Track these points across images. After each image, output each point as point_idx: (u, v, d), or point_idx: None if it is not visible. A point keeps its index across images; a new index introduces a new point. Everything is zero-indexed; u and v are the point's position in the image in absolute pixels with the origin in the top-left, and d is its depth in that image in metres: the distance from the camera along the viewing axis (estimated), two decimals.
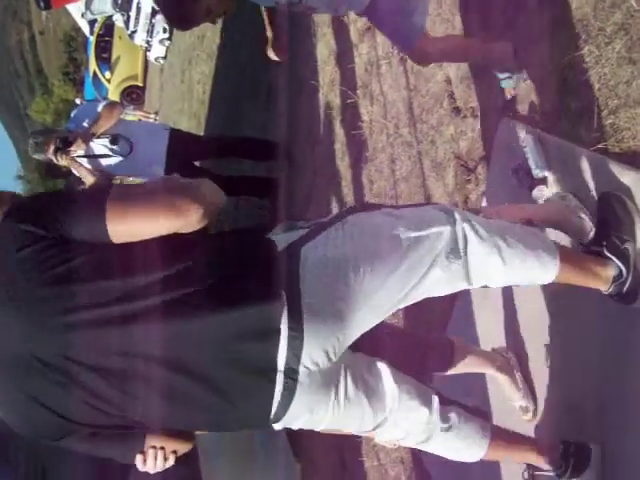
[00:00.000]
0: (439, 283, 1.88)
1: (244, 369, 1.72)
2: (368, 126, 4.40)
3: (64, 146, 4.98)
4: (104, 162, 5.22)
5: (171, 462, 1.89)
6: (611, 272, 2.08)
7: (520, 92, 2.90)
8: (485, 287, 1.99)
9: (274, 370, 1.72)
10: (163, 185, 1.86)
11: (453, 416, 2.07)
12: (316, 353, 1.75)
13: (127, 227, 1.70)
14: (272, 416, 1.78)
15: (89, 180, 5.17)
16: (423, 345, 2.50)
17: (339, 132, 4.95)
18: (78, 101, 7.93)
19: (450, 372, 2.52)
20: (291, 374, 1.74)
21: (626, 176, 2.19)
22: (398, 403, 1.97)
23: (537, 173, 2.51)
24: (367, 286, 1.78)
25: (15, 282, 1.68)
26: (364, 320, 1.82)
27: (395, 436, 2.06)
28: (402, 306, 1.91)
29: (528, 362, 2.61)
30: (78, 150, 5.03)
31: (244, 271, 1.77)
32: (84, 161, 5.16)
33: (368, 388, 1.94)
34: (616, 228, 2.13)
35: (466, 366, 2.55)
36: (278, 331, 1.70)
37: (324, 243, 1.80)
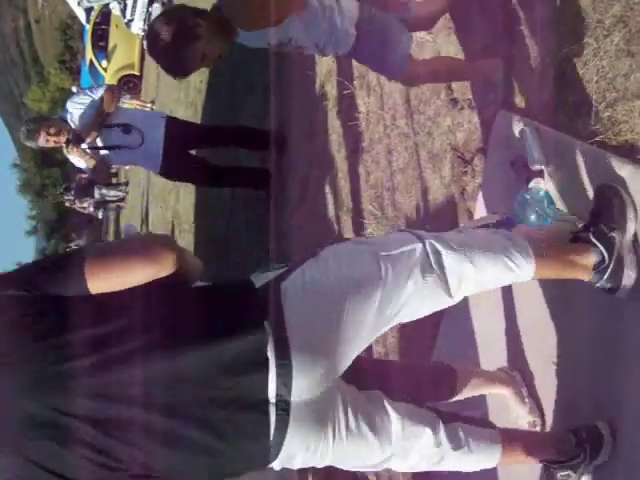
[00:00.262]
0: (420, 299, 1.91)
1: (237, 405, 1.73)
2: (365, 117, 4.39)
3: (76, 141, 5.04)
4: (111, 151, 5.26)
5: None
6: (592, 259, 2.08)
7: (517, 84, 2.89)
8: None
9: (266, 402, 1.73)
10: (136, 237, 1.92)
11: (460, 433, 2.08)
12: (307, 382, 1.76)
13: (106, 282, 1.74)
14: (271, 451, 1.78)
15: (90, 164, 5.24)
16: (424, 378, 2.45)
17: (336, 123, 4.94)
18: (74, 89, 7.88)
19: (456, 398, 2.49)
20: (283, 405, 1.74)
21: (623, 169, 2.18)
22: (402, 431, 1.97)
23: (534, 165, 2.51)
24: (351, 317, 1.81)
25: (6, 344, 1.70)
26: (352, 346, 1.85)
27: (409, 465, 2.06)
28: (388, 327, 1.94)
29: (529, 368, 2.60)
30: (90, 141, 5.10)
31: (226, 308, 1.80)
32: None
33: (370, 418, 1.94)
34: (607, 217, 2.12)
35: (472, 389, 2.53)
36: (266, 360, 1.72)
37: (301, 275, 1.84)
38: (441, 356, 3.00)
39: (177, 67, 2.85)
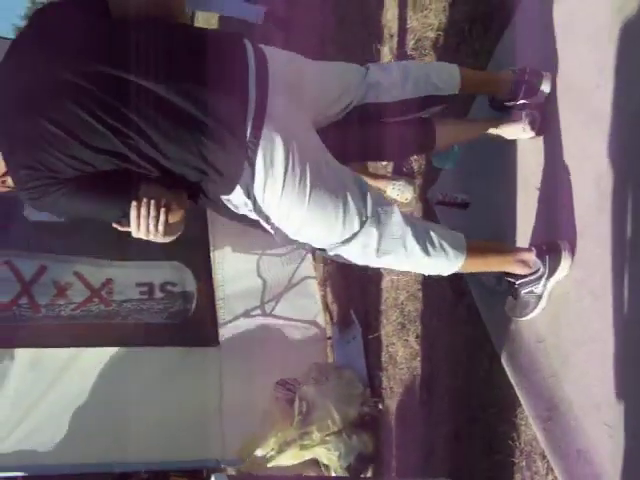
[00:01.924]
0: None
1: (218, 84, 1.96)
2: None
3: None
4: None
5: (162, 219, 1.93)
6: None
7: None
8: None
9: (246, 73, 2.00)
10: None
11: (431, 232, 2.19)
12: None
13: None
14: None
15: None
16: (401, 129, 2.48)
17: None
18: None
19: (443, 144, 2.60)
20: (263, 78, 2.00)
21: None
22: (374, 204, 2.13)
23: None
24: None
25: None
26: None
27: (373, 248, 2.16)
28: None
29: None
30: None
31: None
32: None
33: (344, 180, 2.12)
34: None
35: (461, 132, 2.63)
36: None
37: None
38: None
39: None
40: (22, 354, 3.74)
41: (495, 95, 2.54)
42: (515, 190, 2.62)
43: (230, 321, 4.19)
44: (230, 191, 2.01)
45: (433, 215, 3.20)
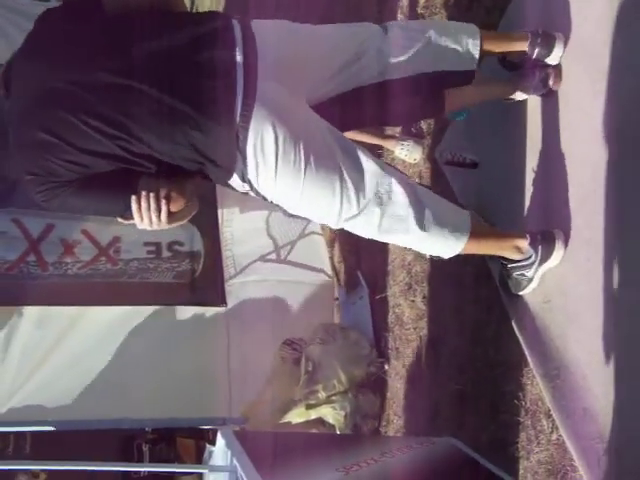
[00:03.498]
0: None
1: (206, 74, 1.97)
2: None
3: None
4: None
5: (164, 210, 1.98)
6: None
7: None
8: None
9: (233, 64, 1.98)
10: None
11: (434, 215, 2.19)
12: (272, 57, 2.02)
13: None
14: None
15: None
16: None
17: None
18: None
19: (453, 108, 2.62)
20: (249, 69, 1.98)
21: None
22: (377, 184, 2.12)
23: None
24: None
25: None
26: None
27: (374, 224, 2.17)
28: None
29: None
30: None
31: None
32: None
33: (349, 152, 2.11)
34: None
35: (472, 95, 2.58)
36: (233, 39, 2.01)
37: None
38: None
39: None
40: (30, 311, 3.75)
41: (507, 55, 2.51)
42: (524, 155, 2.61)
43: (238, 280, 4.20)
44: (228, 178, 2.06)
45: (441, 175, 3.18)
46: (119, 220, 2.11)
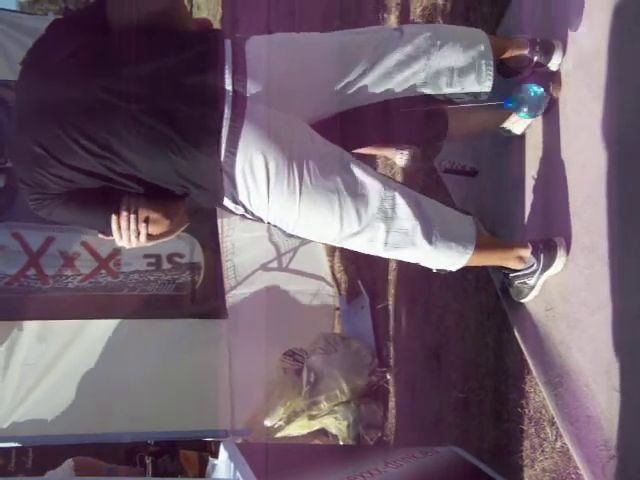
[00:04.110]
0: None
1: (195, 99, 1.94)
2: None
3: None
4: None
5: (143, 233, 1.99)
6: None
7: None
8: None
9: (222, 90, 1.95)
10: None
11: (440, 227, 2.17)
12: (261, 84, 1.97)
13: None
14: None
15: None
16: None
17: None
18: None
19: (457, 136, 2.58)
20: (239, 96, 1.95)
21: None
22: (382, 200, 2.08)
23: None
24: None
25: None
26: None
27: (380, 240, 2.13)
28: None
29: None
30: None
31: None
32: None
33: (347, 176, 2.05)
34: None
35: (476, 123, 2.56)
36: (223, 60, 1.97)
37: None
38: None
39: None
40: (31, 326, 3.74)
41: (504, 61, 2.50)
42: (524, 162, 2.60)
43: (239, 292, 4.19)
44: (217, 202, 2.04)
45: (441, 185, 3.18)
46: (99, 236, 2.13)
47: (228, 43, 2.03)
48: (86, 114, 1.95)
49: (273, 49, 2.08)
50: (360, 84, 2.12)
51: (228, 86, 1.95)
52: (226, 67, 1.97)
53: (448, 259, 2.22)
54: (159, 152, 1.94)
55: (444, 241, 2.16)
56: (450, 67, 2.18)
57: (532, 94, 2.42)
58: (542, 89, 2.41)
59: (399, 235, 2.11)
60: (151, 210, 2.01)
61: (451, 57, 2.19)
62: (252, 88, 1.97)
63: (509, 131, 2.58)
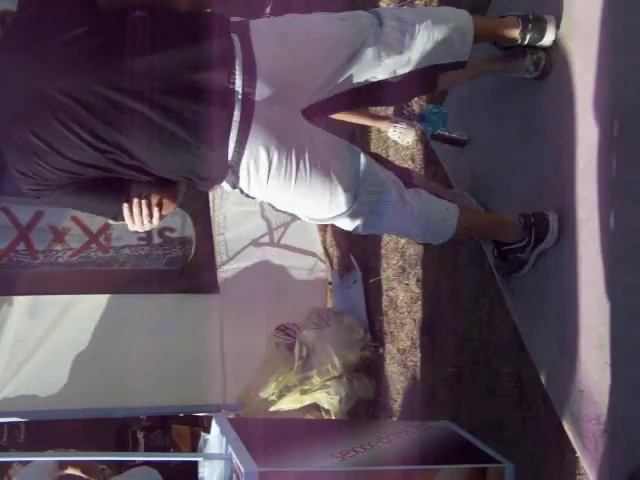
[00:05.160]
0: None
1: (203, 97, 1.92)
2: None
3: None
4: None
5: (156, 216, 2.05)
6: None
7: None
8: None
9: (232, 92, 1.93)
10: None
11: (417, 196, 2.24)
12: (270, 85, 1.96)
13: None
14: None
15: None
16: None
17: None
18: None
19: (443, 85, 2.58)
20: (247, 99, 1.94)
21: None
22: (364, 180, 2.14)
23: None
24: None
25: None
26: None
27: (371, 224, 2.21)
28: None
29: None
30: None
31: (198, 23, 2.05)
32: None
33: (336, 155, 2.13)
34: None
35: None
36: (233, 59, 1.94)
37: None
38: None
39: None
40: (21, 301, 3.73)
41: (498, 40, 2.47)
42: (517, 136, 2.58)
43: (230, 266, 4.17)
44: (216, 187, 2.12)
45: (434, 158, 3.15)
46: (110, 221, 2.17)
47: (235, 37, 1.99)
48: (88, 110, 1.90)
49: (274, 39, 2.06)
50: (346, 74, 2.14)
51: (238, 88, 1.94)
52: (236, 68, 1.95)
53: (430, 236, 2.35)
54: (170, 151, 1.96)
55: (426, 220, 2.27)
56: (431, 50, 2.20)
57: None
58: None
59: (380, 216, 2.20)
60: (160, 194, 2.06)
61: (431, 41, 2.20)
62: (260, 89, 1.97)
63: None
